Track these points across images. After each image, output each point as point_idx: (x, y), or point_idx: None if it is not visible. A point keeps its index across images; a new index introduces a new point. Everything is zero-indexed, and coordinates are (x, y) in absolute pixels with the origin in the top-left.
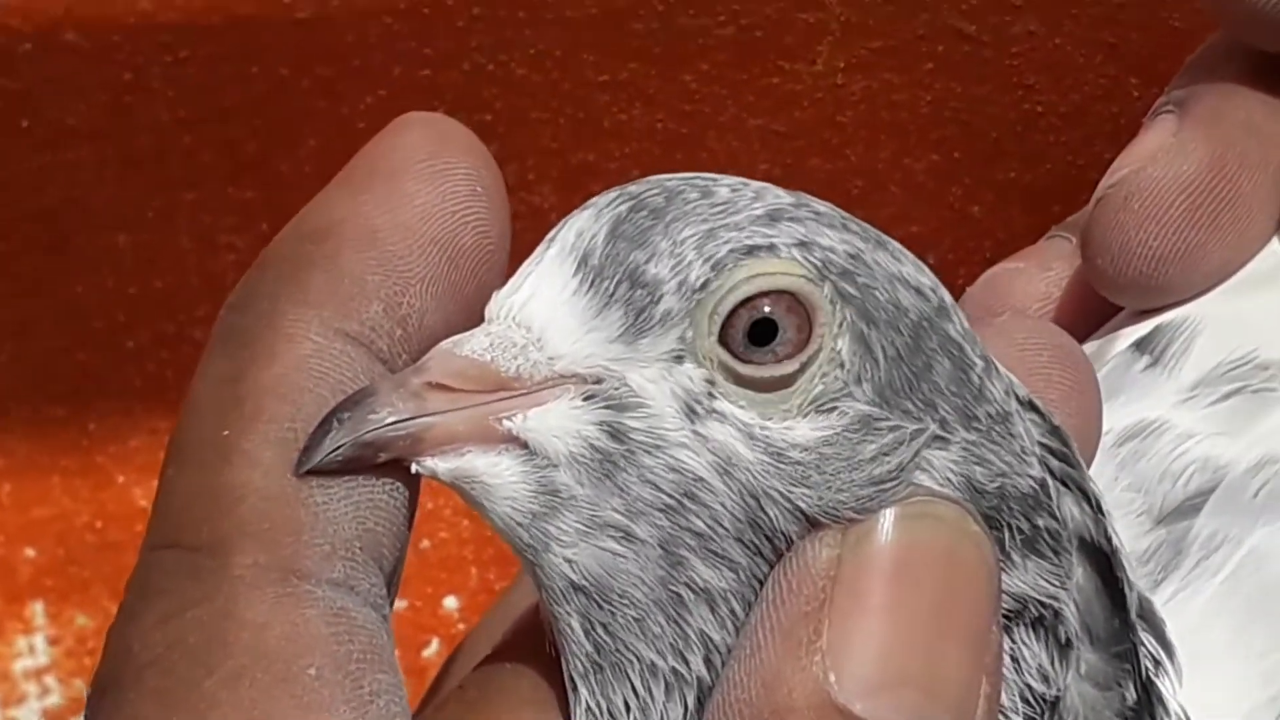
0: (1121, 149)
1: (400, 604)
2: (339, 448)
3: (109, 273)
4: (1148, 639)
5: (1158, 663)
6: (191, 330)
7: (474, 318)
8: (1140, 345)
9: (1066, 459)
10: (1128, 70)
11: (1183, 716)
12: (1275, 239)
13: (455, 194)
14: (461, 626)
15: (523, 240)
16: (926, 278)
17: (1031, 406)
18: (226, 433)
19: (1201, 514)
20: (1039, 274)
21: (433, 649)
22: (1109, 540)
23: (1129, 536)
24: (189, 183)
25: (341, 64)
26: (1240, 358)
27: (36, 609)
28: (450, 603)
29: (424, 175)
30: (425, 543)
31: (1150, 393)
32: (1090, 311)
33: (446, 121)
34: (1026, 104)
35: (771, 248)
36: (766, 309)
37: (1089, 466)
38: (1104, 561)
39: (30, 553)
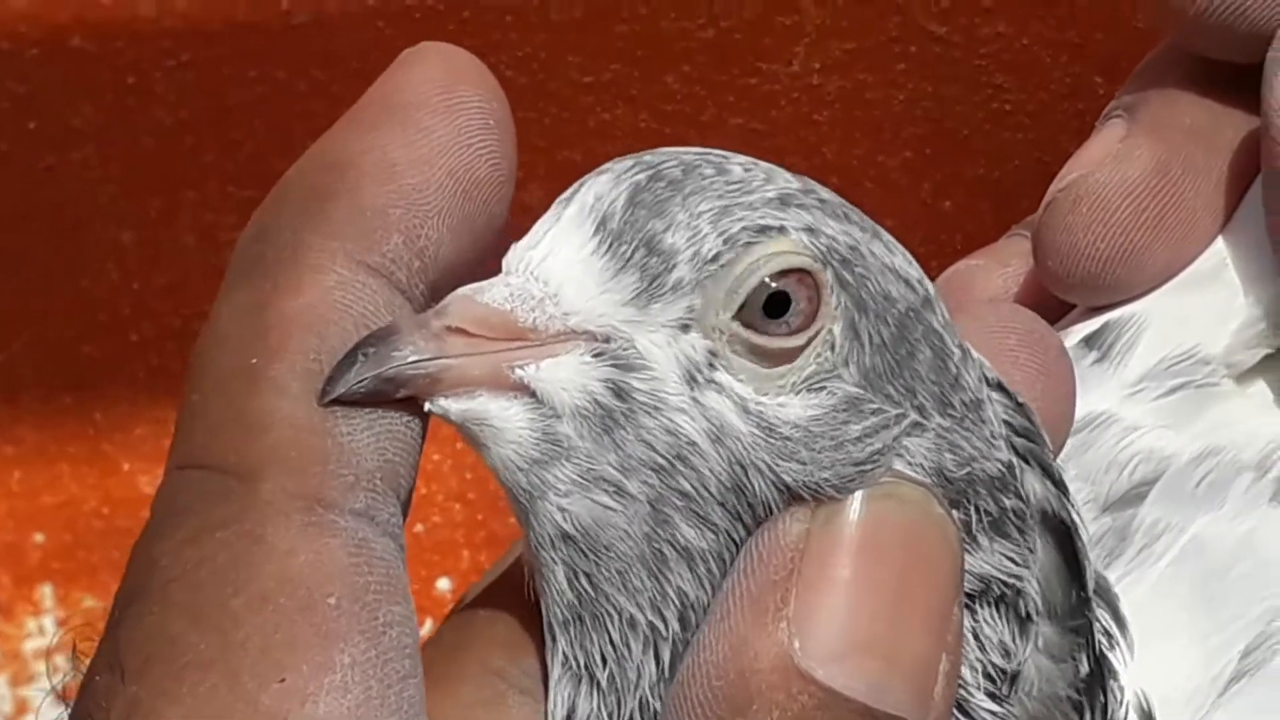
0: (1093, 130)
1: None
2: (362, 380)
3: (114, 268)
4: (1102, 614)
5: (1110, 637)
6: (195, 323)
7: (483, 248)
8: (1089, 341)
9: (1029, 434)
10: (1092, 69)
11: (1140, 696)
12: (1219, 239)
13: (470, 127)
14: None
15: (511, 234)
16: (915, 270)
17: (999, 386)
18: (254, 360)
19: (1145, 503)
20: (997, 270)
21: (426, 629)
22: (1069, 514)
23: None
24: (191, 182)
25: (337, 67)
26: (1183, 353)
27: (45, 591)
28: (443, 584)
29: (439, 109)
30: (419, 526)
31: (1098, 386)
32: (1045, 307)
33: (458, 53)
34: (995, 102)
35: (783, 229)
36: (782, 284)
37: (1061, 448)
38: (1064, 536)
39: (39, 537)
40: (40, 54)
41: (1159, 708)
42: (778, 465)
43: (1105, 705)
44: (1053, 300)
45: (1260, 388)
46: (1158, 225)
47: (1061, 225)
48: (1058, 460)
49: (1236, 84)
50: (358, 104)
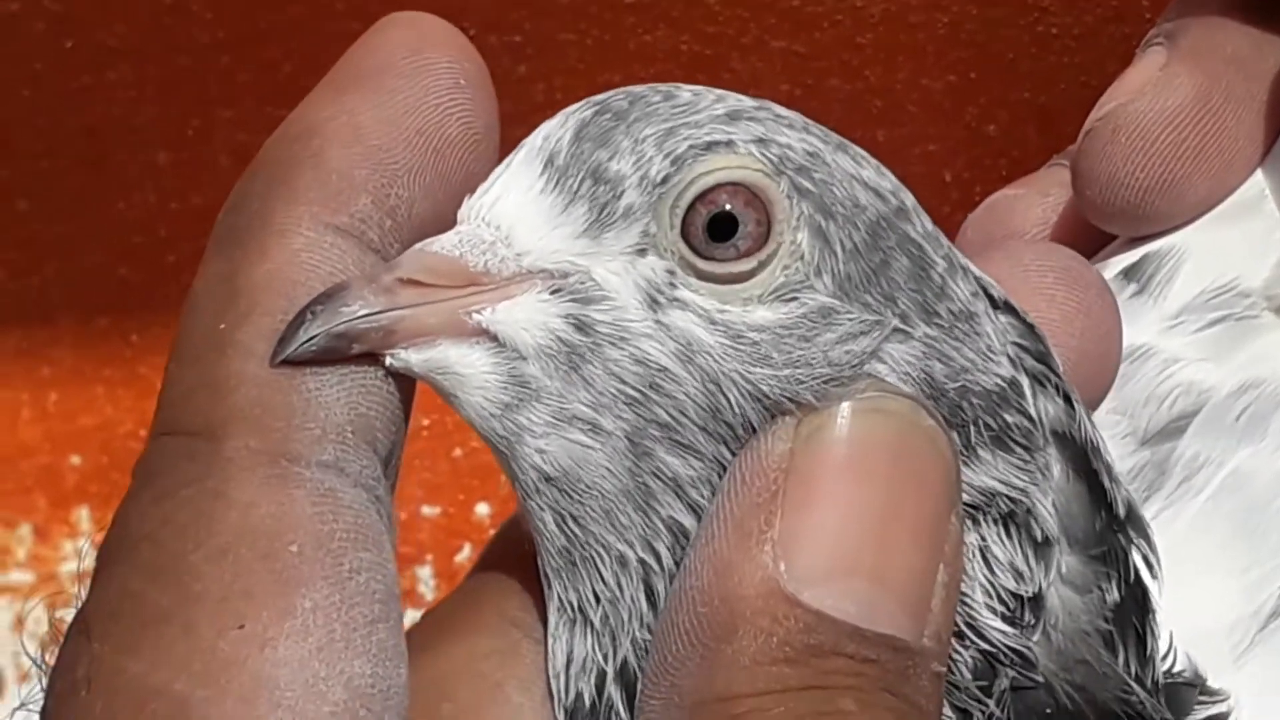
0: (1134, 57)
1: (433, 510)
2: (312, 338)
3: (150, 189)
4: (1139, 541)
5: (1149, 565)
6: None
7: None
8: (1128, 273)
9: (1041, 356)
10: None
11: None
12: (1259, 170)
13: (437, 87)
14: (493, 532)
15: None
16: (887, 181)
17: (1008, 308)
18: (223, 326)
19: (1185, 435)
20: (1038, 200)
21: (465, 554)
22: (1083, 433)
23: (1114, 458)
24: (227, 102)
25: None
26: (1222, 286)
27: (82, 514)
28: (482, 509)
29: (405, 71)
30: (457, 451)
31: (1137, 319)
32: (1085, 237)
33: (427, 19)
34: (1040, 26)
35: (730, 144)
36: (726, 204)
37: (1107, 389)
38: (1082, 459)
39: (76, 460)
40: None
41: (1197, 641)
42: (750, 373)
43: (1142, 640)
44: (1092, 231)
45: None
46: (1198, 155)
47: (1101, 154)
48: (1104, 399)
49: (1278, 11)
50: (329, 74)
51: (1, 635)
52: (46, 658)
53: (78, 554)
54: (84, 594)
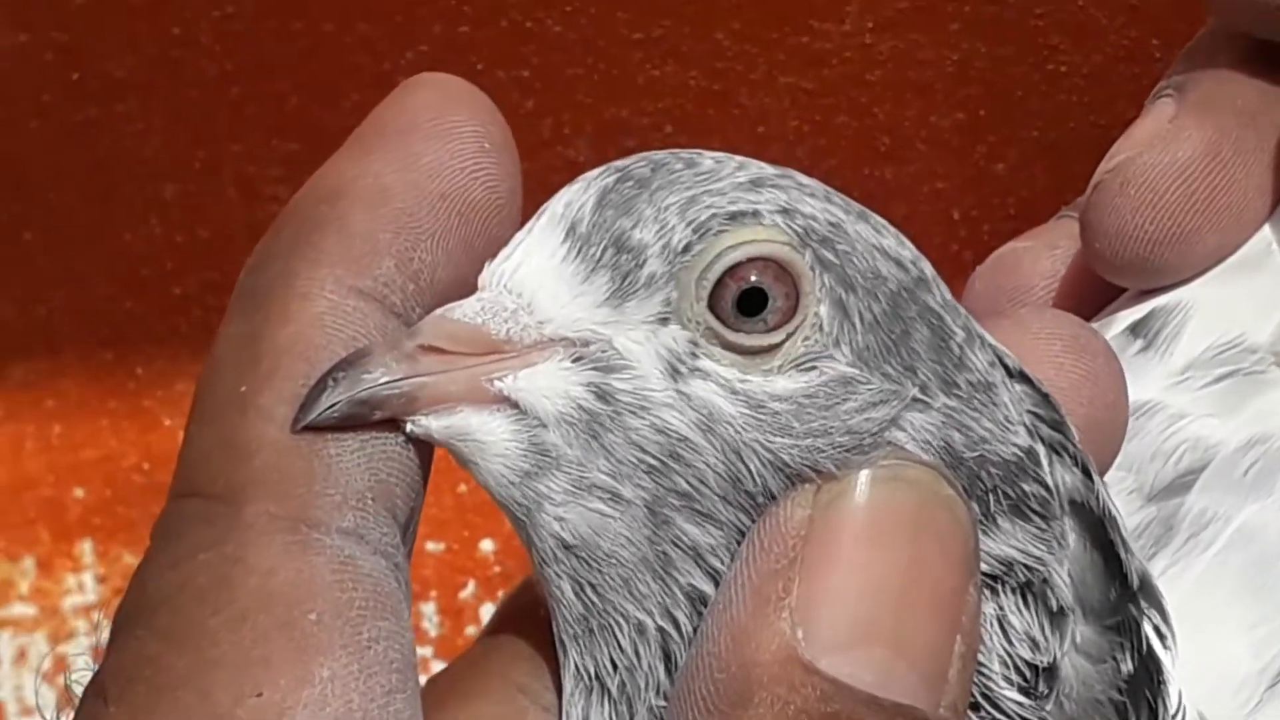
0: (1143, 108)
1: (438, 546)
2: (335, 405)
3: (156, 222)
4: (1151, 613)
5: (1161, 636)
6: (236, 278)
7: None
8: (1134, 329)
9: (1057, 425)
10: (1149, 32)
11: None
12: (1267, 224)
13: (463, 151)
14: (498, 569)
15: (556, 193)
16: (907, 250)
17: (1023, 378)
18: (244, 389)
19: (1192, 491)
20: (1045, 252)
21: (469, 590)
22: (1100, 504)
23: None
24: (234, 135)
25: (383, 21)
26: (1228, 342)
27: (85, 547)
28: (486, 545)
29: (431, 134)
30: (463, 487)
31: (1143, 375)
32: (1093, 289)
33: (454, 81)
34: (1050, 64)
35: (755, 214)
36: (754, 278)
37: (1114, 455)
38: (1099, 529)
39: (79, 492)
40: (84, 3)
41: (1205, 700)
42: (771, 442)
43: (1154, 712)
44: (1100, 283)
45: None
46: (1207, 208)
47: (1109, 207)
48: (1111, 465)
49: None
50: (355, 132)
51: (4, 669)
52: (60, 704)
53: (81, 588)
54: (89, 630)
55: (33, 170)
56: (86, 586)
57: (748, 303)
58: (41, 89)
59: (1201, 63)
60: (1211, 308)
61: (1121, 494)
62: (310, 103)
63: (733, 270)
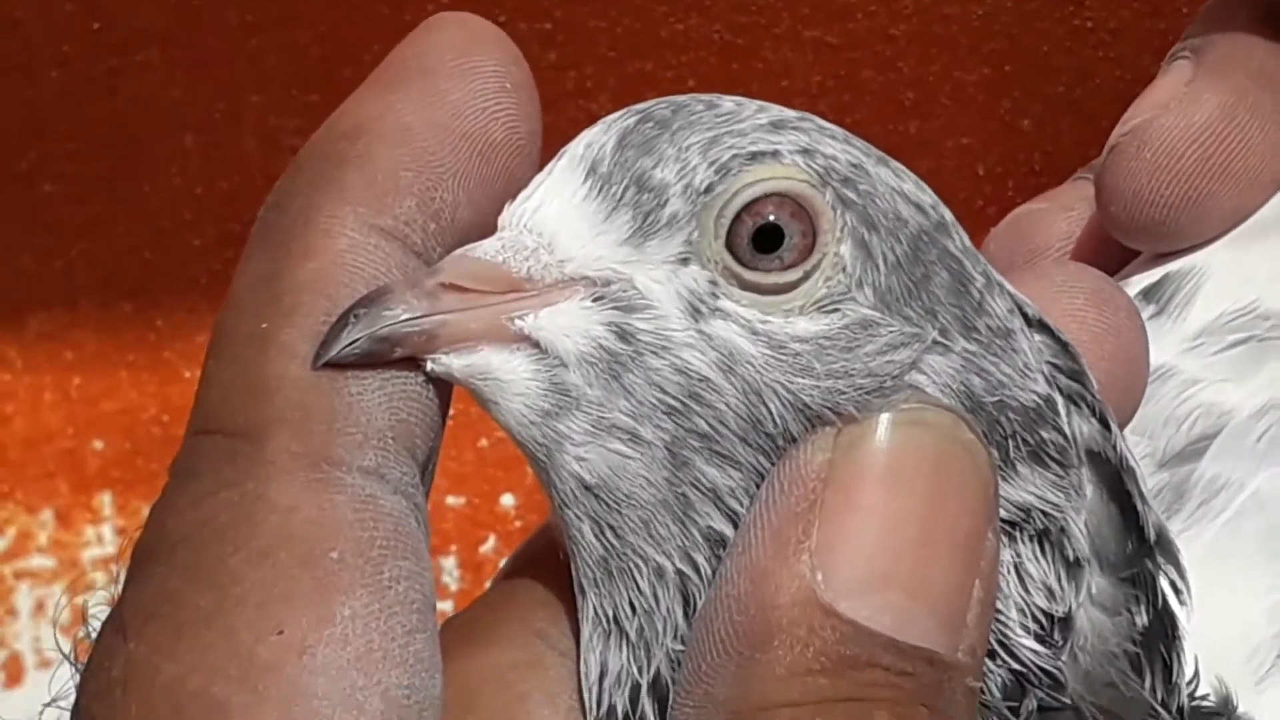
0: (1160, 69)
1: (458, 501)
2: (355, 341)
3: (176, 172)
4: (1167, 567)
5: (1177, 591)
6: None
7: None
8: (1148, 294)
9: (1077, 376)
10: None
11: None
12: None
13: (485, 90)
14: (518, 524)
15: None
16: (927, 195)
17: (1043, 327)
18: (265, 326)
19: (1205, 458)
20: (1061, 214)
21: (489, 545)
22: (1117, 454)
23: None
24: (255, 85)
25: None
26: (1242, 308)
27: (105, 500)
28: (507, 500)
29: (454, 73)
30: (483, 441)
31: (1157, 340)
32: (1108, 252)
33: (476, 21)
34: (1076, 19)
35: (775, 154)
36: (771, 215)
37: (1134, 411)
38: (1116, 480)
39: (99, 445)
40: None
41: (1218, 665)
42: (792, 383)
43: (1169, 666)
44: (1116, 246)
45: None
46: (1224, 171)
47: (1125, 170)
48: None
49: None
50: (376, 70)
51: (23, 621)
52: (78, 654)
53: (100, 540)
54: (108, 583)
55: (52, 121)
56: (105, 539)
57: (763, 239)
58: (62, 39)
59: (1218, 24)
60: (1226, 273)
61: None
62: (331, 54)
63: (749, 206)
